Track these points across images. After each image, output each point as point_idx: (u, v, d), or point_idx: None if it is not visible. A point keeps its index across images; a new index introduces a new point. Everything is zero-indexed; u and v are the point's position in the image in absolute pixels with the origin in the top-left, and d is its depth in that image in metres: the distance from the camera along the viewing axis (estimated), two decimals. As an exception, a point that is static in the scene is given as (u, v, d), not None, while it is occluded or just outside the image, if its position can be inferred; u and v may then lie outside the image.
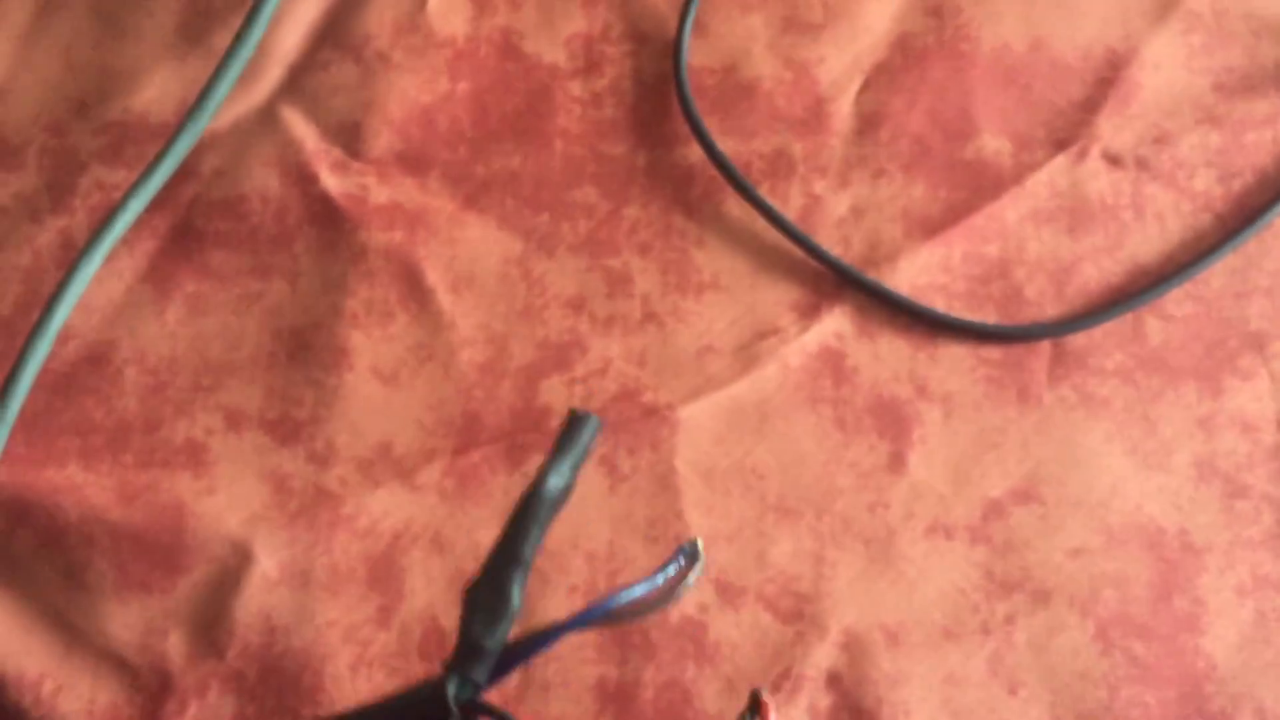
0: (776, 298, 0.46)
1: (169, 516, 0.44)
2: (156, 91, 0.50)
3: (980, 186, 0.47)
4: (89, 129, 0.49)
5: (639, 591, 0.21)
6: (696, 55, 0.49)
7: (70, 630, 0.43)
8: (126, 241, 0.47)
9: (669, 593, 0.20)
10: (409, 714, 0.22)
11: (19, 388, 0.44)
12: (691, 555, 0.20)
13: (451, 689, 0.21)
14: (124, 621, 0.43)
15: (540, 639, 0.20)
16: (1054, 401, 0.44)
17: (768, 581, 0.42)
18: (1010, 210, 0.46)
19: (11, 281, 0.47)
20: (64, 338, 0.46)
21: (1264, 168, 0.47)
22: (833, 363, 0.45)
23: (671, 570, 0.20)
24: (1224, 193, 0.46)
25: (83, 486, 0.44)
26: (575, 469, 0.22)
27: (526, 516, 0.21)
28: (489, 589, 0.21)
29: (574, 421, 0.22)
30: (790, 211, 0.47)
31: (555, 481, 0.22)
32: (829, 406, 0.44)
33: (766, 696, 0.20)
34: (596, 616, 0.20)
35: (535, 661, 0.41)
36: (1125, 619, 0.41)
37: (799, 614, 0.42)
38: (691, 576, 0.20)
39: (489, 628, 0.21)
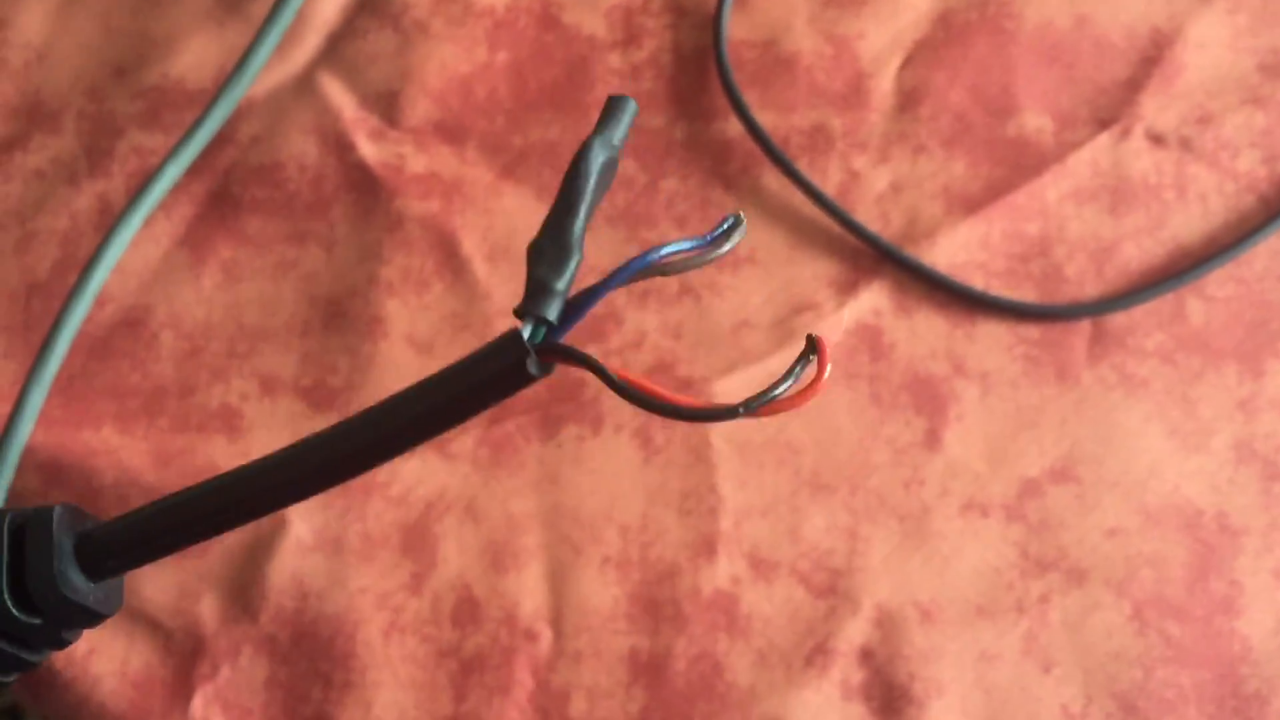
0: (814, 273, 0.46)
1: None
2: (195, 58, 0.50)
3: (1021, 164, 0.46)
4: (127, 94, 0.49)
5: (682, 247, 0.22)
6: (736, 29, 0.49)
7: (104, 592, 0.43)
8: (164, 207, 0.47)
9: (707, 252, 0.22)
10: (486, 366, 0.22)
11: (56, 351, 0.45)
12: (734, 225, 0.22)
13: (526, 330, 0.22)
14: (158, 584, 0.43)
15: (599, 287, 0.22)
16: (1093, 381, 0.44)
17: (801, 556, 0.42)
18: (1051, 188, 0.46)
19: (49, 245, 0.47)
20: (101, 302, 0.46)
21: (1308, 150, 0.46)
22: (870, 339, 0.45)
23: (714, 234, 0.22)
24: (1268, 174, 0.46)
25: (118, 449, 0.44)
26: (618, 145, 0.23)
27: (577, 177, 0.22)
28: (550, 239, 0.22)
29: (613, 103, 0.23)
30: (829, 187, 0.46)
31: (599, 150, 0.23)
32: (865, 382, 0.44)
33: (822, 336, 0.21)
34: (643, 266, 0.22)
35: (567, 632, 0.42)
36: (1161, 600, 0.41)
37: (832, 589, 0.42)
38: (730, 243, 0.22)
39: (555, 270, 0.22)
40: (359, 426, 0.24)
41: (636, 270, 0.22)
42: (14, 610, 0.25)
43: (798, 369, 0.21)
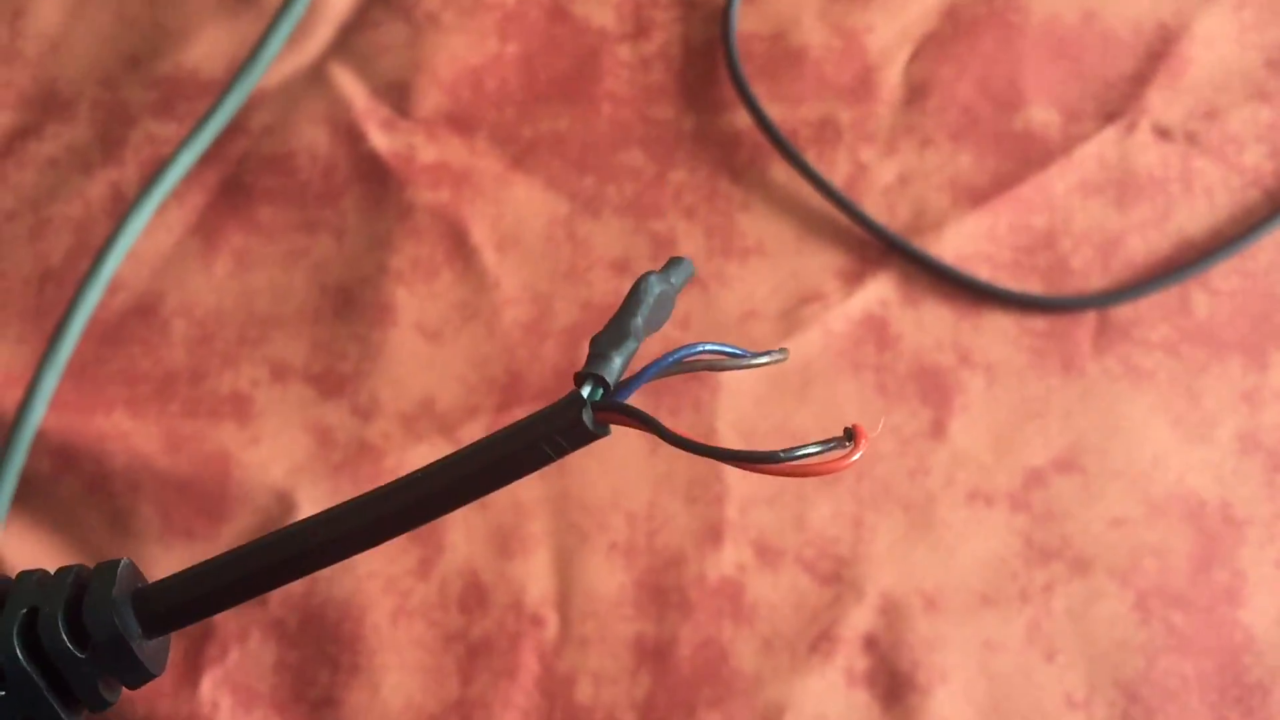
0: (821, 264, 0.46)
1: (214, 465, 0.44)
2: (208, 48, 0.50)
3: (1028, 157, 0.46)
4: (140, 83, 0.50)
5: (723, 349, 0.25)
6: (746, 21, 0.49)
7: (114, 575, 0.43)
8: (176, 195, 0.48)
9: (741, 360, 0.25)
10: (548, 421, 0.24)
11: (68, 336, 0.45)
12: (775, 352, 0.25)
13: (586, 389, 0.24)
14: (167, 567, 0.42)
15: (650, 368, 0.25)
16: (1098, 372, 0.44)
17: (806, 544, 0.43)
18: (1058, 181, 0.46)
19: (62, 232, 0.48)
20: (113, 288, 0.47)
21: (1314, 145, 0.47)
22: (876, 329, 0.45)
23: (755, 352, 0.25)
24: (1274, 168, 0.46)
25: (129, 434, 0.45)
26: (675, 286, 0.26)
27: (636, 293, 0.25)
28: (611, 327, 0.25)
29: (674, 259, 0.26)
30: (836, 179, 0.47)
31: (657, 282, 0.25)
32: (871, 372, 0.44)
33: (861, 426, 0.24)
34: (691, 354, 0.24)
35: (573, 618, 0.42)
36: (1165, 589, 0.41)
37: (837, 576, 0.42)
38: (764, 360, 0.25)
39: (613, 344, 0.25)
40: (420, 480, 0.26)
41: (684, 357, 0.25)
42: (65, 636, 0.25)
43: (832, 445, 0.23)
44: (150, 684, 0.41)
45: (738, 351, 0.25)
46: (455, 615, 0.42)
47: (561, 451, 0.25)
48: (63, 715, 0.26)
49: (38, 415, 0.44)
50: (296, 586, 0.43)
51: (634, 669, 0.42)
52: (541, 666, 0.42)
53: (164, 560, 0.43)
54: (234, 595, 0.27)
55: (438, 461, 0.26)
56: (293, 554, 0.26)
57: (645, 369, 0.25)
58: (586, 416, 0.24)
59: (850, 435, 0.24)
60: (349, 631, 0.42)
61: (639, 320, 0.25)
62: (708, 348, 0.25)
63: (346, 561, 0.42)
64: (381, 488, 0.25)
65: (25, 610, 0.25)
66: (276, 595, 0.42)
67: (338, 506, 0.26)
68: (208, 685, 0.42)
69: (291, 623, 0.42)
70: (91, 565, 0.43)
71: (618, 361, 0.25)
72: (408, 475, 0.26)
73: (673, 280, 0.26)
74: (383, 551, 0.43)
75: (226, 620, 0.42)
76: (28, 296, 0.47)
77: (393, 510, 0.26)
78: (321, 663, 0.42)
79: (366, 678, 0.42)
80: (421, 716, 0.42)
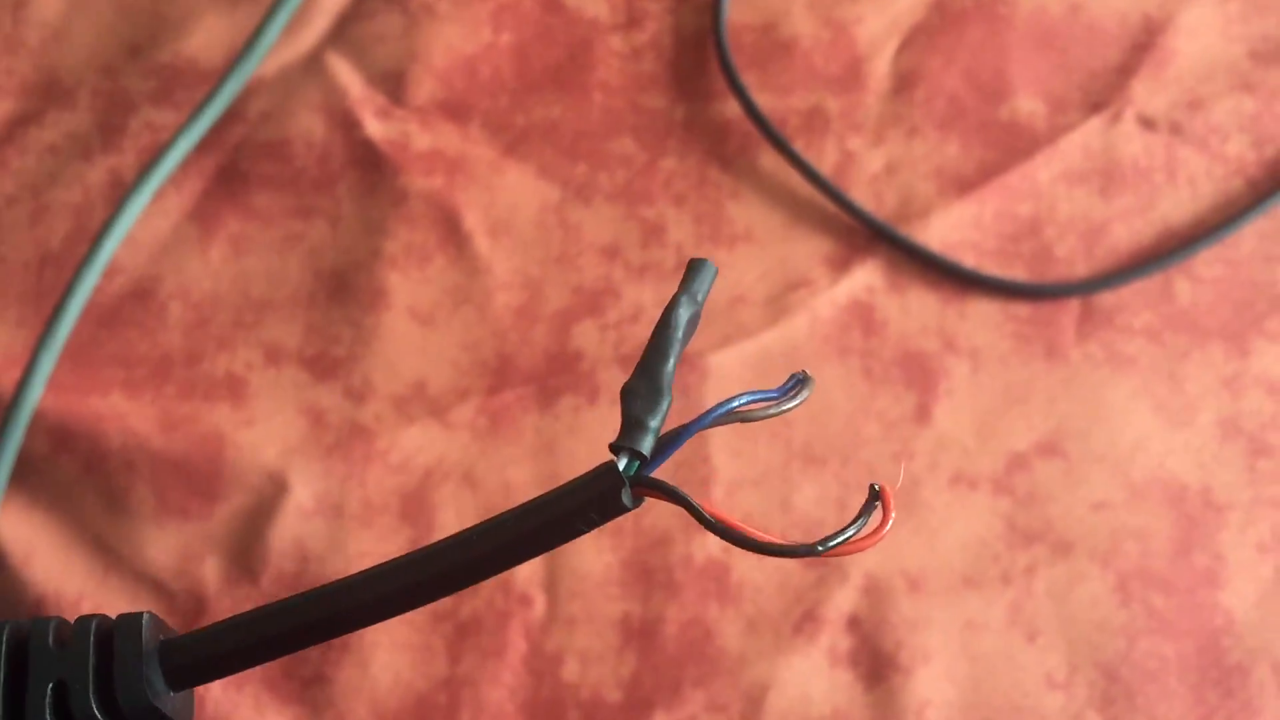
0: (808, 251, 0.46)
1: (208, 446, 0.45)
2: (206, 36, 0.51)
3: (1014, 146, 0.47)
4: (140, 71, 0.50)
5: (757, 397, 0.24)
6: (736, 12, 0.50)
7: (109, 553, 0.44)
8: (174, 181, 0.48)
9: (779, 404, 0.24)
10: (583, 495, 0.24)
11: (66, 319, 0.46)
12: (802, 381, 0.24)
13: (622, 462, 0.24)
14: (162, 546, 0.44)
15: (686, 429, 0.24)
16: (1081, 358, 0.44)
17: (792, 526, 0.43)
18: (1043, 170, 0.47)
19: (61, 217, 0.48)
20: (111, 272, 0.47)
21: (1298, 136, 0.47)
22: (862, 315, 0.45)
23: (785, 389, 0.24)
24: (1256, 158, 0.47)
25: (125, 415, 0.45)
26: (701, 301, 0.25)
27: (666, 328, 0.25)
28: (645, 383, 0.24)
29: (695, 264, 0.26)
30: (824, 167, 0.47)
31: (686, 306, 0.25)
32: (857, 358, 0.45)
33: (885, 486, 0.23)
34: (725, 411, 0.24)
35: (561, 598, 0.42)
36: (1145, 572, 0.42)
37: (821, 558, 0.43)
38: (799, 399, 0.24)
39: (649, 409, 0.24)
40: (450, 549, 0.25)
41: (719, 415, 0.24)
42: (97, 713, 0.25)
43: (864, 517, 0.23)
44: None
45: (774, 395, 0.25)
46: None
47: (593, 525, 0.25)
48: None
49: (35, 396, 0.45)
50: (288, 564, 0.43)
51: (620, 648, 0.42)
52: (529, 645, 0.42)
53: (158, 539, 0.44)
54: (262, 653, 0.26)
55: (471, 530, 0.25)
56: (323, 616, 0.26)
57: (683, 430, 0.25)
58: (626, 497, 0.24)
59: (877, 495, 0.23)
60: (340, 610, 0.43)
61: (670, 366, 0.25)
62: (744, 400, 0.25)
63: (337, 541, 0.43)
64: (409, 555, 0.25)
65: (53, 685, 0.25)
66: (268, 574, 0.43)
67: (368, 571, 0.26)
68: (200, 662, 0.42)
69: (283, 601, 0.43)
70: (89, 548, 0.44)
71: (654, 426, 0.24)
72: (438, 543, 0.25)
73: (699, 298, 0.26)
74: (374, 532, 0.44)
75: (219, 599, 0.43)
76: (27, 280, 0.47)
77: (421, 579, 0.25)
78: (312, 640, 0.43)
79: (356, 656, 0.42)
80: (410, 694, 0.42)
